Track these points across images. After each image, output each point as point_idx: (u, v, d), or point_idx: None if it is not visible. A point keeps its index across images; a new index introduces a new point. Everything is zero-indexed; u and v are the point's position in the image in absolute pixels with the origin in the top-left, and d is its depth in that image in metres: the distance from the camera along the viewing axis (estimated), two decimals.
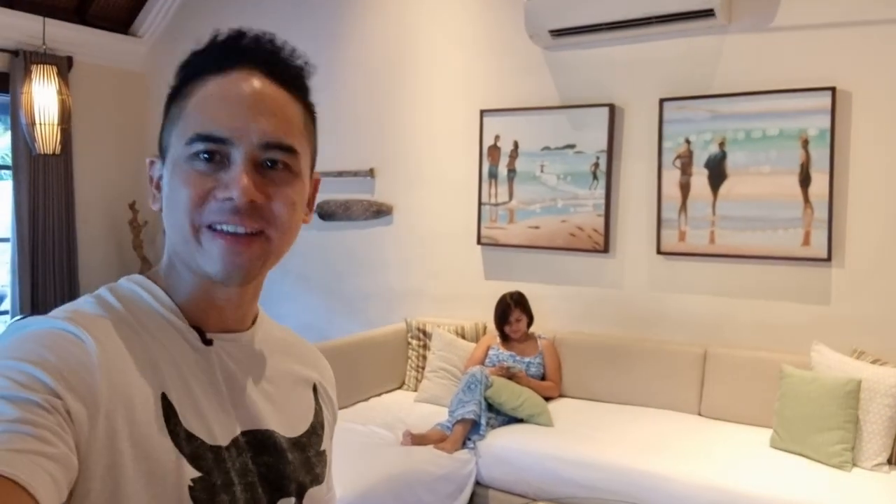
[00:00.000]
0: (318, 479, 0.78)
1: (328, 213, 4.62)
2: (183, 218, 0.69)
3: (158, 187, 0.74)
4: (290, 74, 0.74)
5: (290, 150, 0.71)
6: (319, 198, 4.63)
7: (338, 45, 4.57)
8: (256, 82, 0.70)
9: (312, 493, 0.77)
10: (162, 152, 0.74)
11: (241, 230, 0.68)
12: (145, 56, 5.41)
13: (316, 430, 0.80)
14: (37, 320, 0.65)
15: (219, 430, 0.69)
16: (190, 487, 0.65)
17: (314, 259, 4.68)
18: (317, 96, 0.77)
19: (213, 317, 0.74)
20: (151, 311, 0.70)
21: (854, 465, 2.77)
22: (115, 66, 5.20)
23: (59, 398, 0.57)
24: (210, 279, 0.70)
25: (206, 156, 0.68)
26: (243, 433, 0.72)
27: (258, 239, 0.70)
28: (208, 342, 0.72)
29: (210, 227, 0.68)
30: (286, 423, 0.77)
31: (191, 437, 0.66)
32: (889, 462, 2.79)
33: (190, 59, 0.73)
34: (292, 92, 0.73)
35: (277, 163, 0.70)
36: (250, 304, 0.77)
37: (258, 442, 0.73)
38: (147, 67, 5.42)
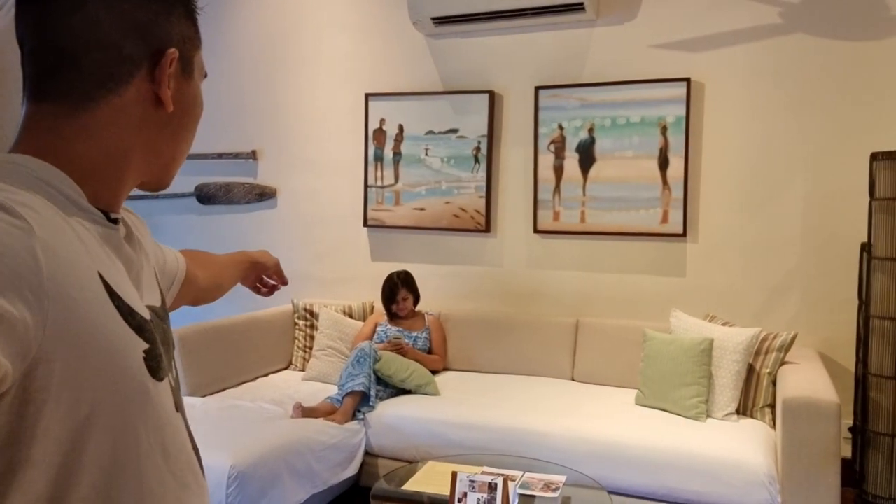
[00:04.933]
0: (174, 341, 0.84)
1: (208, 196, 4.52)
2: (190, 142, 0.80)
3: (170, 86, 0.71)
4: None
5: None
6: (197, 180, 4.53)
7: (219, 24, 4.49)
8: None
9: (172, 352, 0.82)
10: (177, 55, 0.71)
11: None
12: None
13: (164, 296, 0.84)
14: None
15: (140, 305, 0.70)
16: (143, 358, 0.66)
17: (194, 243, 4.57)
18: None
19: (118, 203, 0.73)
20: (52, 188, 0.65)
21: (708, 416, 3.09)
22: None
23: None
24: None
25: None
26: (146, 306, 0.73)
27: None
28: (114, 221, 0.71)
29: None
30: (155, 293, 0.79)
31: (132, 311, 0.67)
32: (737, 412, 3.14)
33: None
34: None
35: None
36: None
37: (155, 313, 0.75)
38: None
